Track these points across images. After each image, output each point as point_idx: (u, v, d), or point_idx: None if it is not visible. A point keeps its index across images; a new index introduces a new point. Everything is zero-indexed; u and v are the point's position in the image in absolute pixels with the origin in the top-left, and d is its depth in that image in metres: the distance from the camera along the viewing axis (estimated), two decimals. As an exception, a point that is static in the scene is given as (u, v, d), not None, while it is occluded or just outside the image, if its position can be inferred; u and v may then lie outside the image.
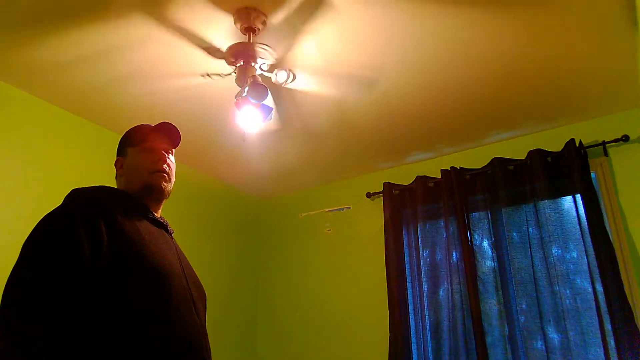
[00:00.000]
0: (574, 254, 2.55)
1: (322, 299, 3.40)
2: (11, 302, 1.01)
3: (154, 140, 1.39)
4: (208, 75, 2.23)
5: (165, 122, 1.42)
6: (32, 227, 1.14)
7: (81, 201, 1.21)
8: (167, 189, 1.37)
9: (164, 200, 1.40)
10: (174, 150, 1.45)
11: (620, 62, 2.25)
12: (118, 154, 1.42)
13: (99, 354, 1.03)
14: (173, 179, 1.41)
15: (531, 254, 2.60)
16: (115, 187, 1.38)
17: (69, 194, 1.26)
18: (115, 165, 1.41)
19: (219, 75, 2.21)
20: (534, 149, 2.74)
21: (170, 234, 1.38)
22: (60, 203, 1.23)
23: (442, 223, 2.95)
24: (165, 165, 1.37)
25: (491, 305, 2.65)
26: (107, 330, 1.06)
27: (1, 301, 1.02)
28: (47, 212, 1.17)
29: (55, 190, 1.36)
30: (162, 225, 1.34)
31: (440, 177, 3.02)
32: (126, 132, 1.44)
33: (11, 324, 0.99)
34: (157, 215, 1.38)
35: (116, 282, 1.10)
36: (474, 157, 3.03)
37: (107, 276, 1.09)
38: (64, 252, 1.07)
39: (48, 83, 2.35)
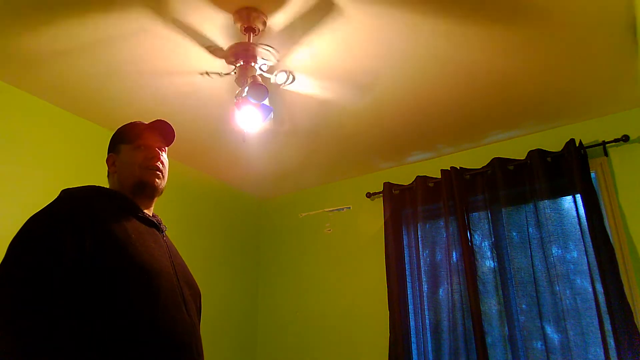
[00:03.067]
0: (574, 254, 2.55)
1: (322, 299, 3.40)
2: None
3: (148, 138, 1.38)
4: (207, 73, 2.23)
5: (160, 119, 1.42)
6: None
7: (67, 200, 1.22)
8: (160, 186, 1.36)
9: (156, 198, 1.39)
10: (166, 148, 1.44)
11: (620, 62, 2.25)
12: (110, 151, 1.41)
13: (86, 353, 1.03)
14: (166, 177, 1.40)
15: (531, 254, 2.60)
16: (107, 184, 1.38)
17: (59, 194, 1.26)
18: (107, 163, 1.40)
19: (218, 74, 2.20)
20: (534, 149, 2.74)
21: (162, 232, 1.36)
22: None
23: (442, 223, 2.95)
24: (158, 163, 1.36)
25: (491, 305, 2.65)
26: (94, 329, 1.05)
27: None
28: (35, 213, 1.17)
29: (53, 189, 1.35)
30: (152, 224, 1.33)
31: (440, 177, 3.02)
32: (119, 129, 1.43)
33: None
34: (149, 213, 1.37)
35: (102, 282, 1.10)
36: (474, 157, 3.03)
37: (93, 275, 1.09)
38: (47, 251, 1.07)
39: (42, 77, 2.33)
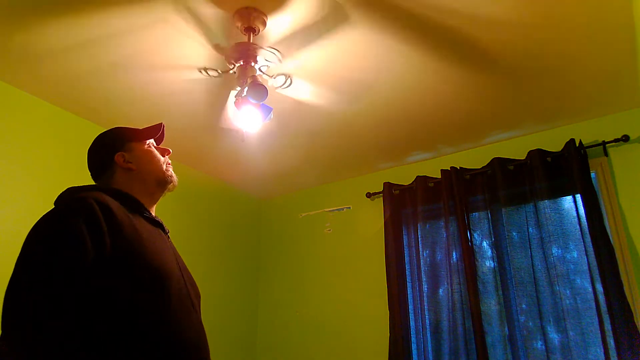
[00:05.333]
0: (574, 254, 2.54)
1: (322, 299, 3.40)
2: (16, 305, 0.99)
3: (158, 140, 1.47)
4: (205, 70, 2.22)
5: (162, 123, 1.47)
6: (27, 226, 1.11)
7: (82, 201, 1.16)
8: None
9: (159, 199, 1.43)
10: None
11: (620, 62, 2.25)
12: (118, 149, 1.37)
13: (101, 356, 1.02)
14: None
15: (531, 254, 2.60)
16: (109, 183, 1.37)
17: (66, 193, 1.23)
18: (116, 160, 1.36)
19: (216, 71, 2.20)
20: (534, 149, 2.74)
21: (167, 233, 1.37)
22: (59, 202, 1.22)
23: (442, 223, 2.95)
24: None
25: (491, 305, 2.65)
26: (109, 331, 1.04)
27: (5, 302, 1.00)
28: (48, 211, 1.14)
29: (52, 189, 1.34)
30: (158, 225, 1.33)
31: (440, 177, 3.02)
32: (118, 129, 1.43)
33: (18, 326, 0.97)
34: (153, 213, 1.37)
35: (118, 283, 1.08)
36: (474, 157, 3.03)
37: (110, 277, 1.08)
38: (69, 253, 1.04)
39: (40, 75, 2.33)
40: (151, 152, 1.40)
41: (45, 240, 1.07)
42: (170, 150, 1.47)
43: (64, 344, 0.97)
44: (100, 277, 1.07)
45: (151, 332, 1.09)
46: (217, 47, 2.09)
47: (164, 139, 1.52)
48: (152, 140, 1.45)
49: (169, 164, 1.43)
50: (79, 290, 1.03)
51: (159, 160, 1.40)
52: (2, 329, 0.98)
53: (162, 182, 1.38)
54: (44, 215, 1.13)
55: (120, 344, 1.05)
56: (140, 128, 1.45)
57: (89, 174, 1.40)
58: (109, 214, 1.14)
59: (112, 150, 1.38)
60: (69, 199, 1.18)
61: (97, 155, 1.39)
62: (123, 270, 1.10)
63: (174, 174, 1.42)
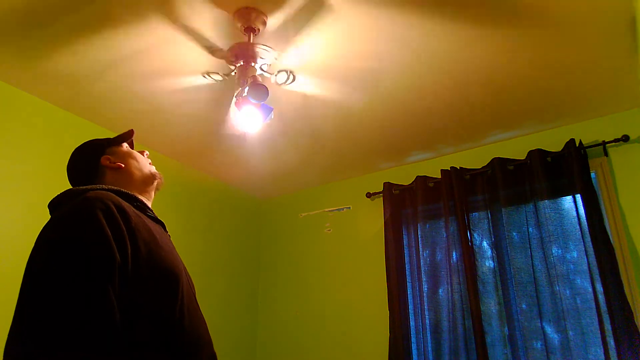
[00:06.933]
0: (574, 254, 2.55)
1: (322, 299, 3.40)
2: (46, 309, 0.94)
3: (131, 143, 1.50)
4: (208, 74, 2.23)
5: (132, 129, 1.51)
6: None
7: (99, 201, 1.09)
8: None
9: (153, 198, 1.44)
10: None
11: (620, 62, 2.25)
12: (101, 154, 1.37)
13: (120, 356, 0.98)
14: None
15: (531, 254, 2.60)
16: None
17: (71, 194, 1.19)
18: (103, 163, 1.35)
19: (219, 74, 2.20)
20: (534, 149, 2.75)
21: (167, 231, 1.36)
22: (60, 201, 1.18)
23: (442, 223, 2.95)
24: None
25: (491, 305, 2.65)
26: (127, 334, 1.01)
27: (30, 304, 0.95)
28: (63, 212, 1.08)
29: (52, 189, 1.33)
30: (160, 222, 1.32)
31: (440, 177, 3.02)
32: (94, 140, 1.44)
33: (50, 330, 0.91)
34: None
35: (138, 285, 1.05)
36: (474, 157, 3.03)
37: (132, 280, 1.04)
38: (99, 253, 1.01)
39: (46, 81, 2.34)
40: (132, 151, 1.45)
41: (73, 243, 1.01)
42: (147, 152, 1.50)
43: (90, 344, 0.93)
44: (122, 279, 1.03)
45: (169, 331, 1.08)
46: (217, 48, 2.09)
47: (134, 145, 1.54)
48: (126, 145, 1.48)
49: (151, 163, 1.46)
50: (105, 293, 0.98)
51: (141, 158, 1.44)
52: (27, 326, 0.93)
53: (149, 177, 1.41)
54: (64, 218, 1.07)
55: (139, 345, 1.02)
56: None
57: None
58: (125, 216, 1.10)
59: (96, 155, 1.37)
60: (82, 199, 1.10)
61: (80, 165, 1.36)
62: (143, 272, 1.07)
63: (157, 171, 1.46)
